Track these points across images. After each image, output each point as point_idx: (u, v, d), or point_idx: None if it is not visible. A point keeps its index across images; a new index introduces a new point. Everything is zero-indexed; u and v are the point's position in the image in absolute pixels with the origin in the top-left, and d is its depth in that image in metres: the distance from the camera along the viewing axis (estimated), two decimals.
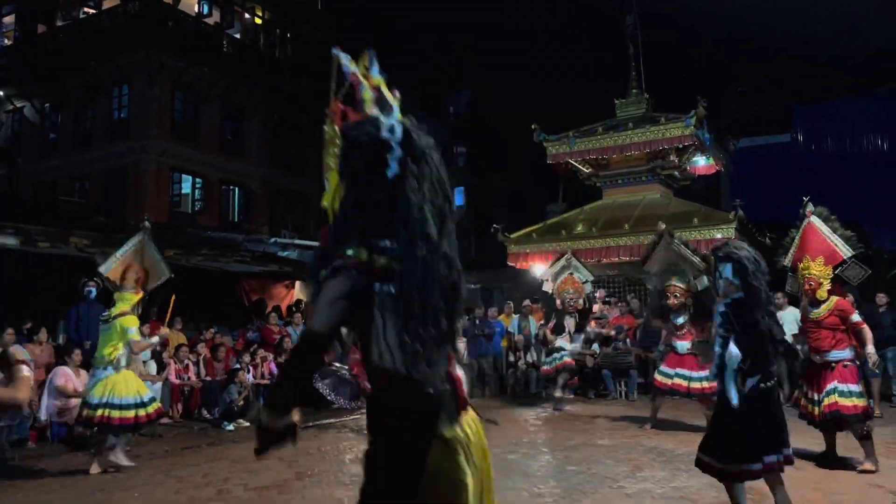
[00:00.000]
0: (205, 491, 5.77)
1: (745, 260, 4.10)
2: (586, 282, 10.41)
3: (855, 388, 5.88)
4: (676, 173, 15.24)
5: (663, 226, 8.75)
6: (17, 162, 20.08)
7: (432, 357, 1.78)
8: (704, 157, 15.44)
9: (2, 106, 23.63)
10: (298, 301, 15.18)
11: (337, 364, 10.88)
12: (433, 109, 33.92)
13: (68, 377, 8.21)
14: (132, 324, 6.47)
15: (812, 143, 26.20)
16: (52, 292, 9.76)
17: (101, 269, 6.85)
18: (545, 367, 10.41)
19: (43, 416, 8.12)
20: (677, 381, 7.94)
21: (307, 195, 25.98)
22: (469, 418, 1.97)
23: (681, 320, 8.05)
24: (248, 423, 9.35)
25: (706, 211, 13.59)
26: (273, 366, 10.94)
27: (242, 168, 23.17)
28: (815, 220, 6.29)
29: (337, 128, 2.00)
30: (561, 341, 10.13)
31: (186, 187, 22.30)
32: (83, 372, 8.37)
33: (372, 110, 1.97)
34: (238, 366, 10.00)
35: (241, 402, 9.38)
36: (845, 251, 6.15)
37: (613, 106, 15.76)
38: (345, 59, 2.01)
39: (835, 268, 6.17)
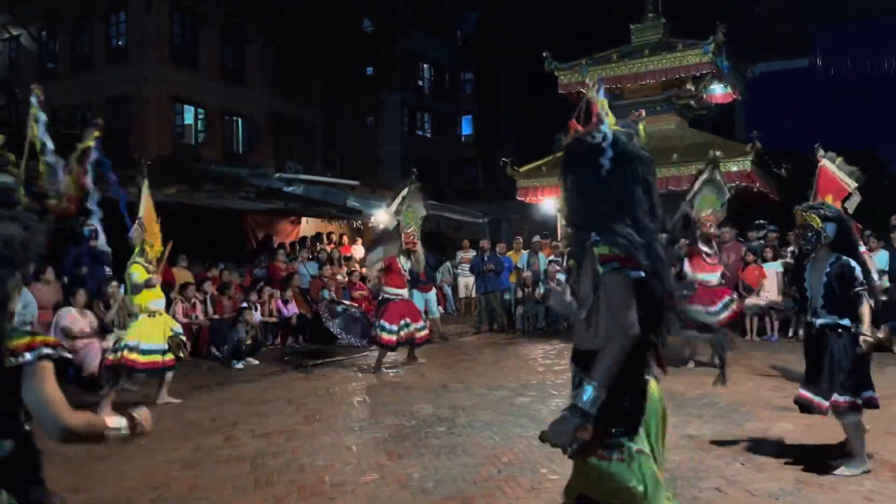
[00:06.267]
0: (213, 437, 5.73)
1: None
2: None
3: None
4: (692, 102, 14.73)
5: (715, 153, 8.42)
6: (15, 92, 19.60)
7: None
8: (721, 85, 14.86)
9: None
10: (304, 238, 15.01)
11: (346, 302, 10.84)
12: (441, 29, 32.92)
13: (74, 318, 8.15)
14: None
15: (830, 67, 25.33)
16: (50, 232, 9.51)
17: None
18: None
19: None
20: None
21: (312, 124, 25.45)
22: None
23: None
24: (256, 362, 9.36)
25: (722, 142, 13.17)
26: (280, 303, 10.88)
27: (244, 96, 22.64)
28: (827, 163, 6.42)
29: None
30: None
31: (189, 118, 21.89)
32: (88, 312, 8.32)
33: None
34: (245, 304, 9.93)
35: (249, 342, 9.34)
36: (850, 184, 6.40)
37: (628, 31, 15.12)
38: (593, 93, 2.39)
39: (843, 201, 6.34)
